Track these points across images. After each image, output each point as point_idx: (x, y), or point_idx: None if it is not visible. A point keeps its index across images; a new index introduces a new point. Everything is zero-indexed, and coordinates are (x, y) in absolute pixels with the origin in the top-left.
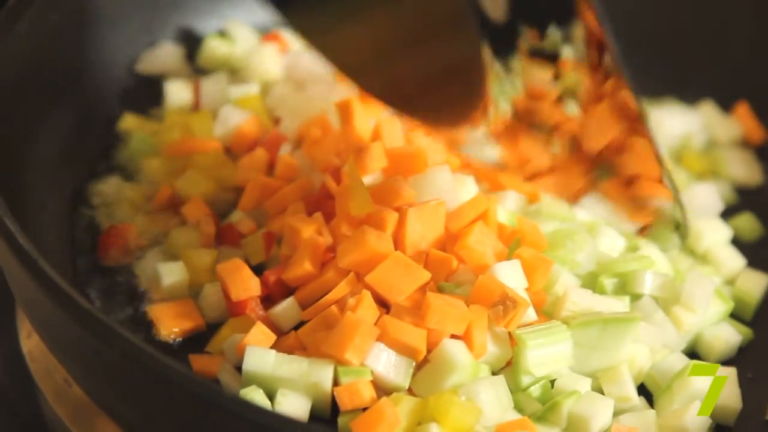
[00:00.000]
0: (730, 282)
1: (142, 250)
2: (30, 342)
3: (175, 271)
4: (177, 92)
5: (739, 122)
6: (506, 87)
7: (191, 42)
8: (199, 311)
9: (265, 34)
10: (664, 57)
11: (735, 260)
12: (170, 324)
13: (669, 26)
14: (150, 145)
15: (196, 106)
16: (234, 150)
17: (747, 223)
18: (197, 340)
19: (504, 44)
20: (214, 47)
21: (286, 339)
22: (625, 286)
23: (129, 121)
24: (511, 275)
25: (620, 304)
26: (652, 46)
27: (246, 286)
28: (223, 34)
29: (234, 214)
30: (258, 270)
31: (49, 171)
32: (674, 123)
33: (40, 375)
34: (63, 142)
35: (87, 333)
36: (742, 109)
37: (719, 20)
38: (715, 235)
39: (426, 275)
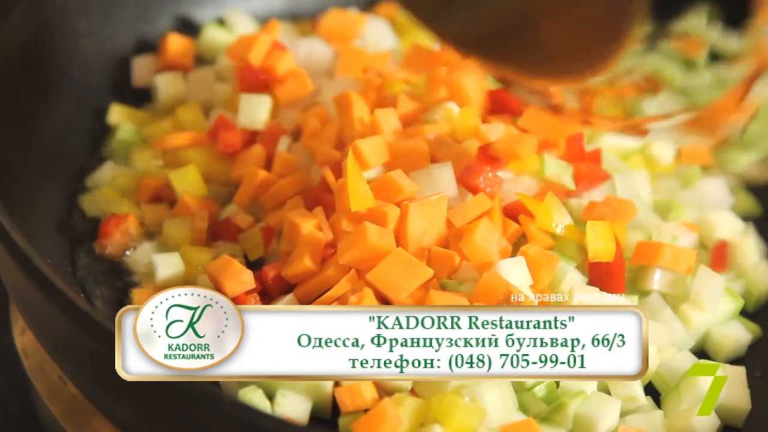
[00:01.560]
0: (742, 275)
1: (135, 242)
2: (24, 339)
3: (171, 263)
4: (168, 84)
5: None
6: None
7: (189, 31)
8: None
9: (264, 23)
10: None
11: (748, 255)
12: None
13: None
14: (137, 136)
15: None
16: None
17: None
18: None
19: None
20: (212, 36)
21: None
22: (633, 283)
23: (117, 113)
24: (515, 272)
25: (627, 302)
26: None
27: (240, 280)
28: (221, 22)
29: (229, 208)
30: (254, 266)
31: (41, 164)
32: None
33: (34, 372)
34: (55, 134)
35: (83, 333)
36: None
37: None
38: (727, 228)
39: (428, 272)
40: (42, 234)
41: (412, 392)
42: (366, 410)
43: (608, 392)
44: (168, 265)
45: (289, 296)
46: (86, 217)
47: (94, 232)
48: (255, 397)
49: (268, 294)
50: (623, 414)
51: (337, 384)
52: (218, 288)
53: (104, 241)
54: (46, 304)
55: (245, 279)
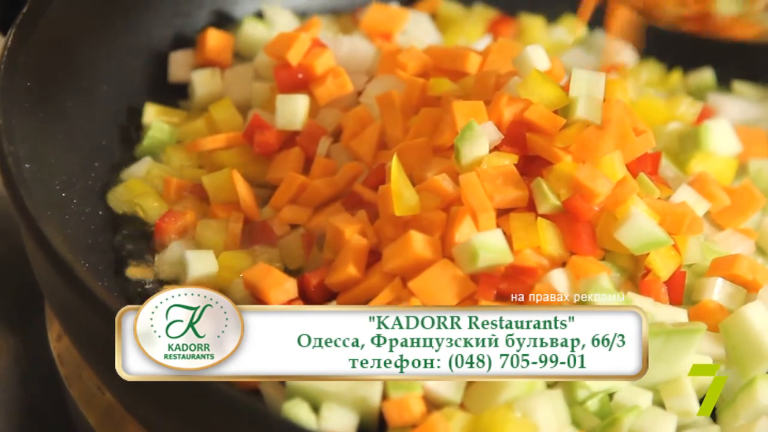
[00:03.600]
0: None
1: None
2: (60, 345)
3: (205, 262)
4: (204, 81)
5: None
6: None
7: (228, 25)
8: None
9: (303, 17)
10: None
11: None
12: None
13: None
14: (171, 135)
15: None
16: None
17: None
18: None
19: None
20: (251, 31)
21: None
22: (689, 293)
23: (152, 112)
24: (566, 283)
25: (681, 313)
26: None
27: (283, 289)
28: (260, 17)
29: (265, 211)
30: (292, 275)
31: (79, 163)
32: (737, 111)
33: (70, 380)
34: (92, 132)
35: None
36: None
37: None
38: None
39: (471, 287)
40: (80, 235)
41: (462, 406)
42: (414, 425)
43: (663, 406)
44: (201, 263)
45: (332, 304)
46: (125, 216)
47: (136, 232)
48: (300, 411)
49: (310, 302)
50: (679, 429)
51: (385, 397)
52: (258, 296)
53: (161, 239)
54: (84, 309)
55: (288, 288)
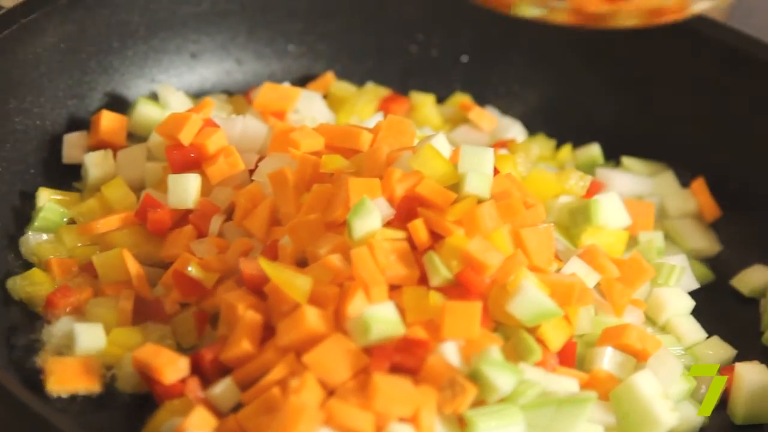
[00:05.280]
0: (689, 351)
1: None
2: None
3: (93, 335)
4: (97, 163)
5: (695, 197)
6: None
7: (123, 107)
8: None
9: (197, 97)
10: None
11: (695, 332)
12: (64, 381)
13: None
14: (61, 215)
15: None
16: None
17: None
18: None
19: None
20: (145, 112)
21: (226, 423)
22: (581, 362)
23: (45, 196)
24: (458, 355)
25: (573, 383)
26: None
27: (176, 367)
28: (154, 98)
29: (157, 289)
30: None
31: None
32: (625, 185)
33: None
34: None
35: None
36: (698, 185)
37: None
38: (676, 305)
39: (365, 359)
40: None
41: None
42: None
43: None
44: (89, 337)
45: (228, 380)
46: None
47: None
48: None
49: (205, 378)
50: None
51: None
52: (150, 375)
53: (51, 311)
54: None
55: (181, 366)
